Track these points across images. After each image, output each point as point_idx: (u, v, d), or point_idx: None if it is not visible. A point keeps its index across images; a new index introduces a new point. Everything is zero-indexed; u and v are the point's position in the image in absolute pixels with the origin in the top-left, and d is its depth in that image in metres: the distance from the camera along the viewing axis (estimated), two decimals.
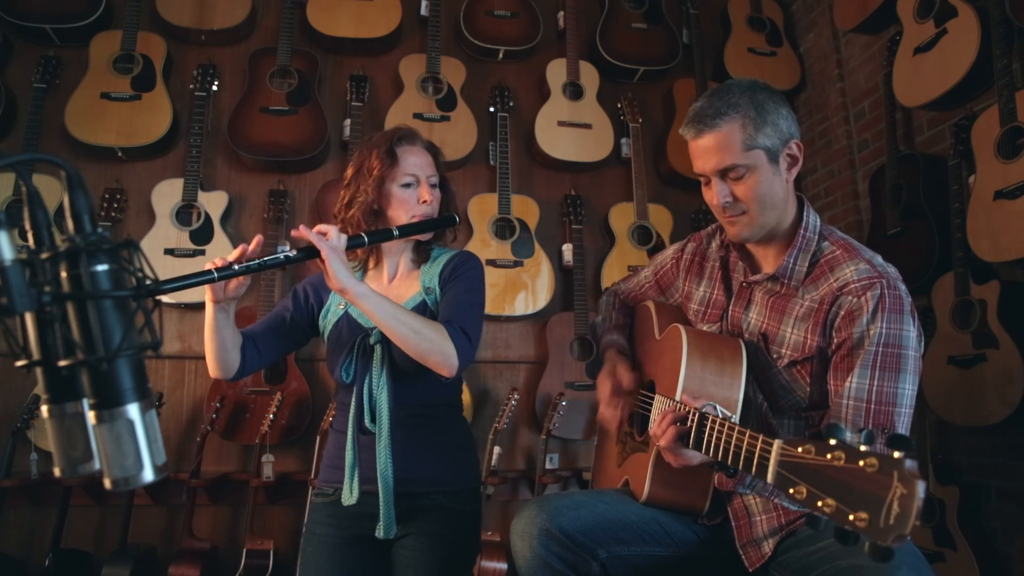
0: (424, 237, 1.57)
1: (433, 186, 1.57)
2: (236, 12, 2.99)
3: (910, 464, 0.77)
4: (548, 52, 3.29)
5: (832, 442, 0.86)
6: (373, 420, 1.48)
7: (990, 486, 2.40)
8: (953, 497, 2.33)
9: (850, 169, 3.15)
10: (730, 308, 1.45)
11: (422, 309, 1.53)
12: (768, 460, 0.96)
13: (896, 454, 0.78)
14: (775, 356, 1.34)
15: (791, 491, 0.89)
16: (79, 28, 2.81)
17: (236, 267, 1.22)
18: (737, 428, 1.07)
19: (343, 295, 1.35)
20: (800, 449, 0.90)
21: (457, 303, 1.48)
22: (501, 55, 3.25)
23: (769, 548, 1.30)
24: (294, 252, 1.28)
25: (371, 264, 1.62)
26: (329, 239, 1.32)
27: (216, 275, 1.18)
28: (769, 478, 0.95)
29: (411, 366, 1.43)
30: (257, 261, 1.24)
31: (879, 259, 1.30)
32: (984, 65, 2.35)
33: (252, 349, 1.48)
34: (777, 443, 0.95)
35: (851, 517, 0.80)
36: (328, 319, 1.58)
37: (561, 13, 3.34)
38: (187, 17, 2.96)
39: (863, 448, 0.82)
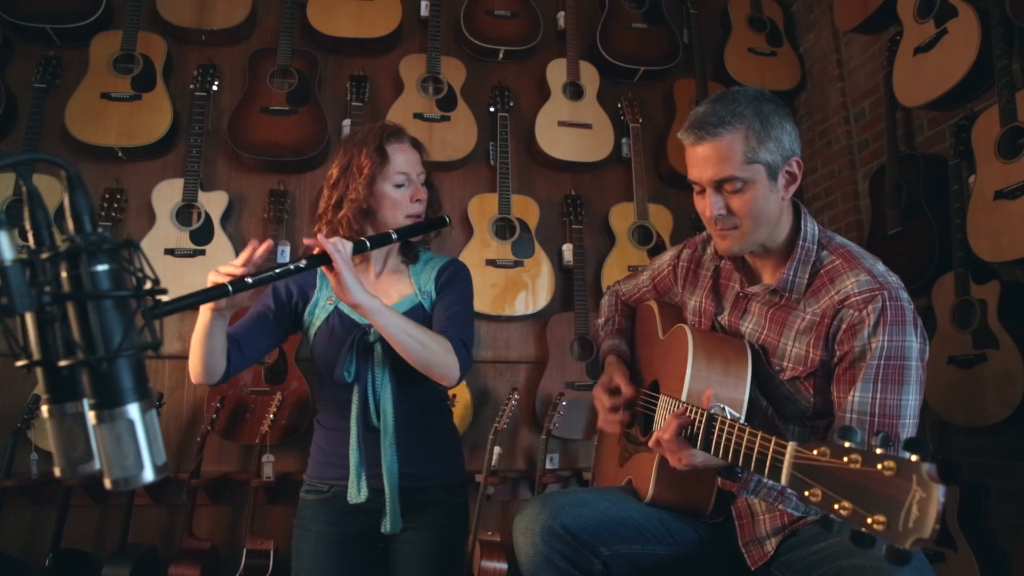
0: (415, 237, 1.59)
1: (423, 184, 1.57)
2: (236, 12, 2.99)
3: (929, 467, 0.77)
4: (548, 52, 3.29)
5: (847, 445, 0.85)
6: (378, 418, 1.49)
7: (990, 486, 2.40)
8: (953, 497, 2.33)
9: (850, 169, 3.15)
10: (725, 317, 1.44)
11: (419, 310, 1.55)
12: (782, 462, 0.95)
13: (914, 457, 0.78)
14: (776, 369, 1.32)
15: (806, 493, 0.88)
16: (79, 28, 2.80)
17: (250, 280, 1.17)
18: (748, 430, 1.06)
19: (356, 309, 1.36)
20: (815, 452, 0.89)
21: (454, 314, 1.51)
22: (501, 55, 3.25)
23: (771, 547, 1.30)
24: (304, 262, 1.26)
25: (356, 259, 1.62)
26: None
27: (231, 289, 1.14)
28: (783, 480, 0.94)
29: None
30: (269, 273, 1.21)
31: (880, 267, 1.27)
32: (984, 65, 2.35)
33: (236, 352, 1.46)
34: (791, 445, 0.94)
35: (869, 520, 0.79)
36: (316, 315, 1.57)
37: (561, 13, 3.33)
38: (187, 17, 2.96)
39: (879, 451, 0.81)
